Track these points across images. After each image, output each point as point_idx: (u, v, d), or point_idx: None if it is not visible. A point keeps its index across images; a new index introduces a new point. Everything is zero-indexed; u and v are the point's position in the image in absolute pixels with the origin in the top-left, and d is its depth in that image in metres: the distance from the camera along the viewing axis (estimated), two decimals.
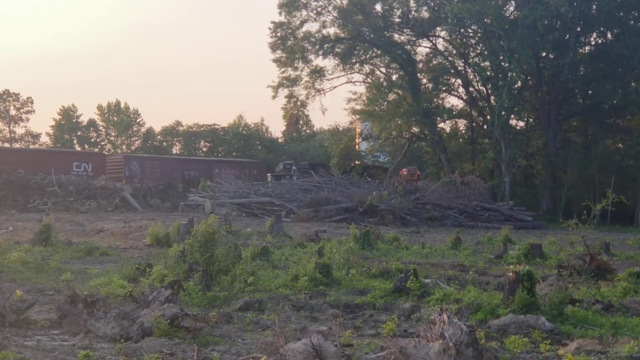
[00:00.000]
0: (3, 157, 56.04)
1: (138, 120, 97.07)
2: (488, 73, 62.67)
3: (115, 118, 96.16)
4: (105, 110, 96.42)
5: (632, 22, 62.76)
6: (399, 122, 70.04)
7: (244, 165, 72.40)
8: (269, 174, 68.02)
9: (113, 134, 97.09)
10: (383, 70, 71.53)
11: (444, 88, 69.62)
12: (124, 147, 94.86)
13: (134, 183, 59.63)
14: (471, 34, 67.13)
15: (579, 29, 62.37)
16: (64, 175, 54.78)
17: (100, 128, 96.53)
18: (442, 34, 69.13)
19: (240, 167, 70.79)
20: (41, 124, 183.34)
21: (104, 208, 49.21)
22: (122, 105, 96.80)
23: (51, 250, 23.59)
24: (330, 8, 66.33)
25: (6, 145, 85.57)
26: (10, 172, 51.26)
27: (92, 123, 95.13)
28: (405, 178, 62.71)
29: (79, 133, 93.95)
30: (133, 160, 64.09)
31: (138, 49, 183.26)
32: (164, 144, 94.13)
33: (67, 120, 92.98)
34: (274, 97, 70.46)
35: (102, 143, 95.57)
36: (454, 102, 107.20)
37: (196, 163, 70.73)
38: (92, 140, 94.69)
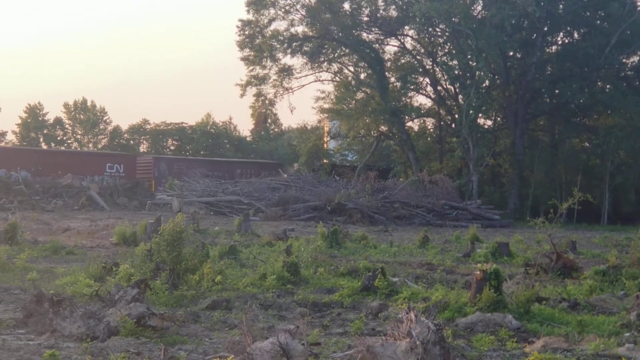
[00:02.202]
0: (42, 159, 59.72)
1: (105, 118, 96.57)
2: (456, 72, 62.77)
3: (82, 116, 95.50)
4: (72, 109, 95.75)
5: (598, 21, 63.27)
6: (367, 120, 70.02)
7: (263, 166, 74.98)
8: (285, 175, 68.11)
9: (79, 132, 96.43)
10: (351, 68, 71.46)
11: (412, 87, 69.69)
12: (90, 145, 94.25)
13: (163, 183, 61.54)
14: (439, 33, 67.34)
15: (546, 29, 62.75)
16: (98, 176, 58.04)
17: (67, 126, 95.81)
18: (411, 32, 69.15)
19: (260, 167, 73.51)
20: (7, 122, 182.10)
21: (71, 207, 48.90)
22: (89, 104, 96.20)
23: (17, 249, 23.31)
24: (298, 6, 66.20)
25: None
26: (49, 173, 55.19)
27: (58, 121, 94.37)
28: None
29: (45, 131, 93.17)
30: (162, 162, 68.29)
31: (105, 46, 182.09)
32: (131, 142, 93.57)
33: (34, 119, 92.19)
34: (242, 95, 70.41)
35: (69, 141, 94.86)
36: (422, 100, 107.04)
37: (220, 164, 73.26)
38: (59, 138, 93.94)
